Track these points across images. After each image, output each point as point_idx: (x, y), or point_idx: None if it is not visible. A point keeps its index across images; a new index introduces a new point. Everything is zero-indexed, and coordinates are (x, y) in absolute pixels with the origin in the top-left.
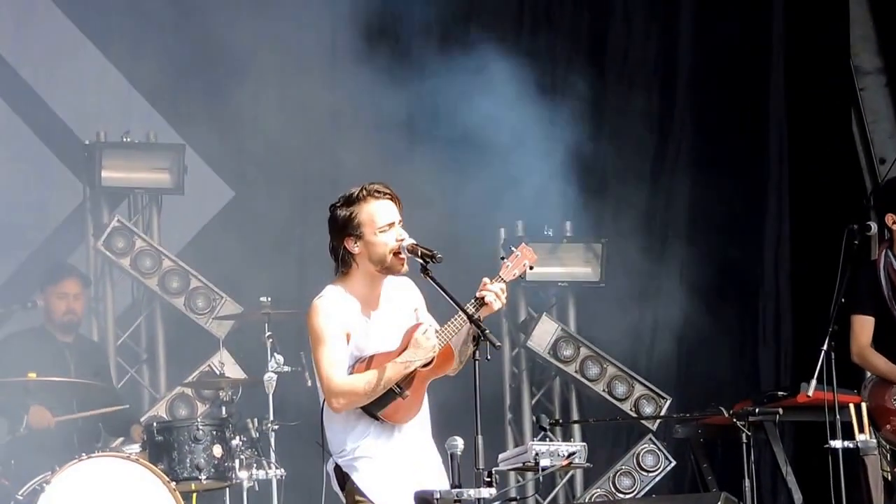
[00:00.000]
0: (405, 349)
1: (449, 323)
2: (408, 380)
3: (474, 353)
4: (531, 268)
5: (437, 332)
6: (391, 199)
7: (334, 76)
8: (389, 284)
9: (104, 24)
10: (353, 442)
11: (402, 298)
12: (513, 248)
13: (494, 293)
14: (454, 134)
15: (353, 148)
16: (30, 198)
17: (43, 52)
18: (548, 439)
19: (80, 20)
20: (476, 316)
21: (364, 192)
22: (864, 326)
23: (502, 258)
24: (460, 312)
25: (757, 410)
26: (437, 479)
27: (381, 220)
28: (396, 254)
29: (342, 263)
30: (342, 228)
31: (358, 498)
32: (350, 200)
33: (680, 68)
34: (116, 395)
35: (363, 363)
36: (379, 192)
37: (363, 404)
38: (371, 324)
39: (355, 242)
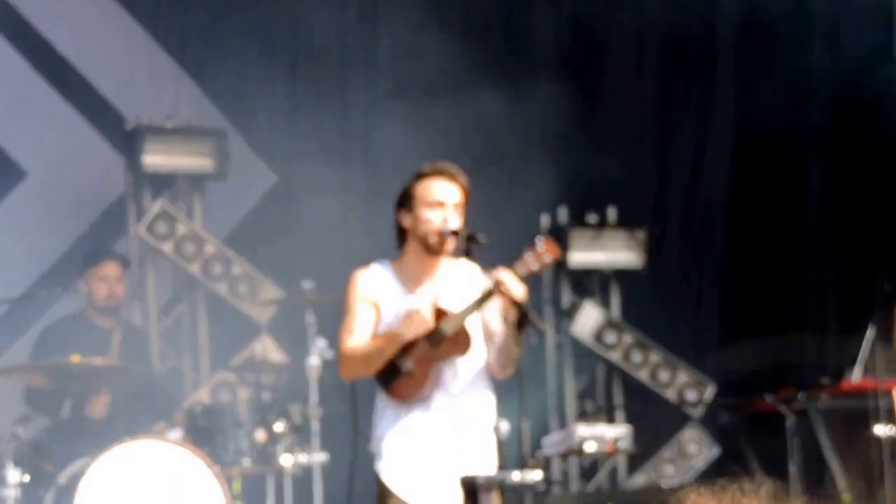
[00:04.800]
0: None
1: (461, 310)
2: (414, 357)
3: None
4: (556, 262)
5: (448, 315)
6: (453, 182)
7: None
8: (457, 270)
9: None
10: (383, 429)
11: (464, 279)
12: (537, 241)
13: (496, 279)
14: None
15: (396, 130)
16: (76, 181)
17: (89, 35)
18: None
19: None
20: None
21: (430, 170)
22: None
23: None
24: (470, 301)
25: (801, 396)
26: (477, 464)
27: (432, 197)
28: (440, 234)
29: (399, 241)
30: (400, 200)
31: (380, 481)
32: (417, 175)
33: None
34: (155, 381)
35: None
36: (443, 171)
37: (365, 373)
38: (408, 301)
39: (406, 216)
